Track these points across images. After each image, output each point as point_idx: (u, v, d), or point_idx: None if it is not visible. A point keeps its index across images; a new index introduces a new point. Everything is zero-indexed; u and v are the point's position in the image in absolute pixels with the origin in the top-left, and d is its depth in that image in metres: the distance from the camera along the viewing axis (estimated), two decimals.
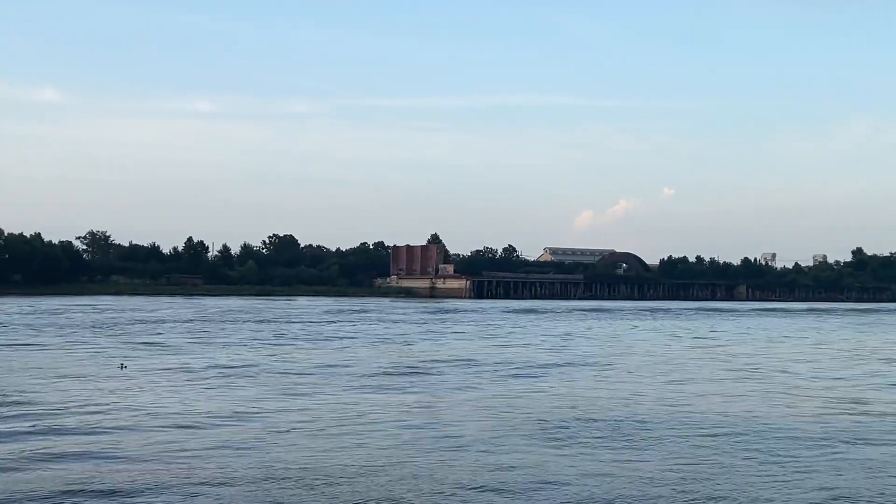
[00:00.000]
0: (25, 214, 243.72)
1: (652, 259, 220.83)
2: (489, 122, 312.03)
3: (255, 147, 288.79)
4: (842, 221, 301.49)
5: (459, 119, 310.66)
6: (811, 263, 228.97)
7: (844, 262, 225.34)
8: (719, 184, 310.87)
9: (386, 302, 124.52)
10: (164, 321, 61.57)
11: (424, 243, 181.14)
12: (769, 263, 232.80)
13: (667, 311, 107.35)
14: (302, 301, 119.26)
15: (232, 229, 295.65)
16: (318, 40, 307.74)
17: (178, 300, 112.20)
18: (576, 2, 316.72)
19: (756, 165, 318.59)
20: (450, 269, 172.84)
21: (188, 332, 51.44)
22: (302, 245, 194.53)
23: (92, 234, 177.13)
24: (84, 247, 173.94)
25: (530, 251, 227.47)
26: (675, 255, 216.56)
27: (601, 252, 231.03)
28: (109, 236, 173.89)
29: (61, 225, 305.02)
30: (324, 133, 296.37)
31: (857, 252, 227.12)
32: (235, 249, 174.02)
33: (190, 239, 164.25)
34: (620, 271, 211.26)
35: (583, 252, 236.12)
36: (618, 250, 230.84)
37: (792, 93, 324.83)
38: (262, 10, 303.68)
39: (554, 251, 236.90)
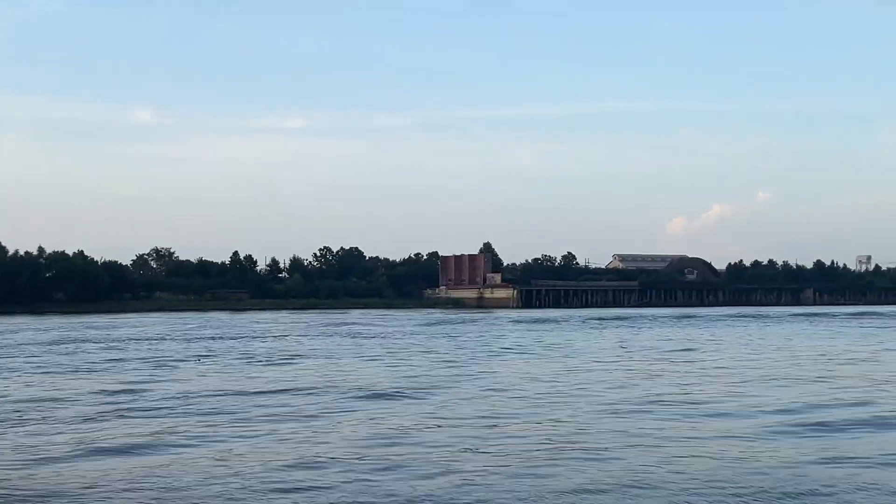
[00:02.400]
0: (118, 233, 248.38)
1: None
2: (578, 131, 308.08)
3: (339, 161, 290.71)
4: None
5: (547, 128, 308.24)
6: None
7: None
8: (815, 186, 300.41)
9: (391, 314, 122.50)
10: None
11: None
12: (865, 267, 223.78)
13: (696, 317, 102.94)
14: (307, 316, 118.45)
15: (307, 242, 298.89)
16: (400, 54, 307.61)
17: (189, 315, 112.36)
18: (666, 6, 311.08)
19: (852, 166, 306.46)
20: (497, 278, 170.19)
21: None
22: (367, 257, 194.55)
23: (156, 250, 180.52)
24: (152, 263, 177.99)
25: (604, 259, 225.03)
26: (763, 260, 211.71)
27: (671, 258, 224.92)
28: (174, 252, 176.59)
29: (143, 242, 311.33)
30: (408, 145, 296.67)
31: None
32: (286, 263, 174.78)
33: (236, 253, 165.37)
34: (693, 276, 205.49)
35: (653, 258, 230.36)
36: (690, 255, 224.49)
37: (889, 90, 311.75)
38: (338, 27, 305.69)
39: (623, 258, 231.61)
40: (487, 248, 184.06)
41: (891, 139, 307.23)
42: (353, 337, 61.00)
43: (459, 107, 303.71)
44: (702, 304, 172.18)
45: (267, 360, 40.51)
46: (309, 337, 61.22)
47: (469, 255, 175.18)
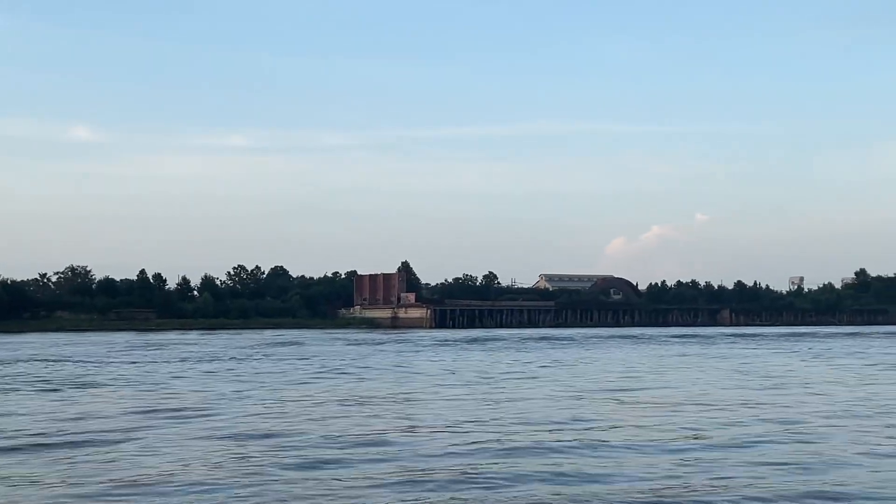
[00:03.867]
0: (41, 252, 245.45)
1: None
2: (523, 151, 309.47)
3: (280, 180, 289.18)
4: (881, 242, 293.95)
5: (492, 148, 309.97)
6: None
7: (845, 284, 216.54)
8: (752, 208, 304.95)
9: (248, 336, 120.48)
10: None
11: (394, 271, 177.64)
12: (797, 288, 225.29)
13: (564, 339, 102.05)
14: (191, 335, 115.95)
15: (240, 260, 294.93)
16: (348, 72, 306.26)
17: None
18: (612, 28, 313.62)
19: (791, 189, 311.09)
20: (411, 297, 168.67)
21: None
22: (293, 276, 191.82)
23: (71, 269, 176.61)
24: (61, 281, 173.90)
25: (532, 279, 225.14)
26: (700, 281, 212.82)
27: (597, 278, 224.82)
28: (90, 270, 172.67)
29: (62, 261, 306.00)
30: (354, 165, 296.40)
31: (861, 273, 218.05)
32: (197, 281, 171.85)
33: (143, 271, 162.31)
34: (619, 297, 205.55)
35: (580, 278, 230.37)
36: (617, 276, 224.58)
37: (829, 115, 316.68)
38: (282, 44, 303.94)
39: (550, 278, 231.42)
40: (405, 268, 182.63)
41: (829, 163, 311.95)
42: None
43: (404, 127, 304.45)
44: (618, 325, 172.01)
45: None
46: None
47: (384, 274, 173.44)
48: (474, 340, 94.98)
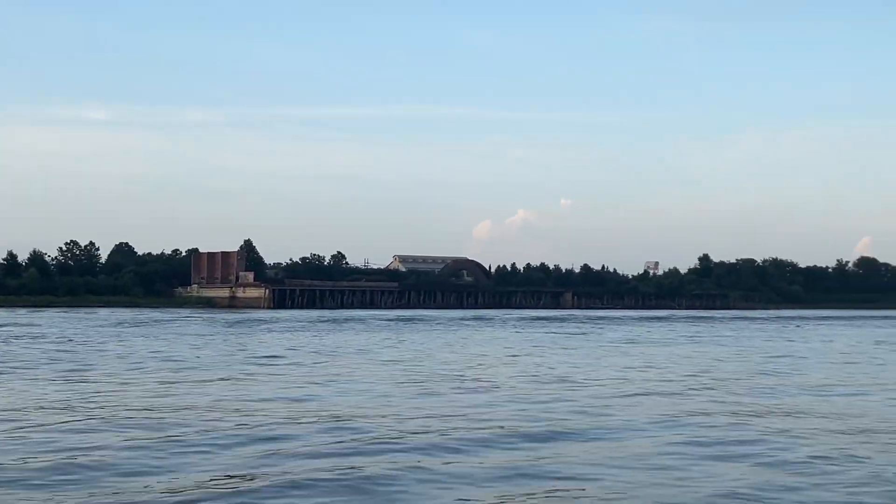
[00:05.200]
0: None
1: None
2: (390, 134, 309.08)
3: (142, 156, 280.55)
4: (729, 230, 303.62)
5: (359, 130, 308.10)
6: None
7: (689, 269, 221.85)
8: (614, 195, 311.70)
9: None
10: None
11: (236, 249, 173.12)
12: (653, 272, 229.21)
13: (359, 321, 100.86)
14: None
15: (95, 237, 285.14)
16: (214, 48, 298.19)
17: None
18: (481, 15, 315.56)
19: (649, 177, 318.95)
20: (250, 276, 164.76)
21: None
22: (140, 253, 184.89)
23: None
24: None
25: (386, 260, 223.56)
26: (553, 264, 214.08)
27: (449, 260, 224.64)
28: None
29: None
30: (216, 143, 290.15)
31: (704, 259, 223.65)
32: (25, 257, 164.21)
33: None
34: (471, 279, 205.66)
35: (434, 260, 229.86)
36: (470, 258, 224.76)
37: (687, 105, 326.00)
38: (148, 18, 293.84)
39: (404, 259, 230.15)
40: (248, 247, 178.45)
41: (684, 152, 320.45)
42: None
43: (271, 105, 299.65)
44: (461, 306, 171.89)
45: None
46: None
47: (223, 252, 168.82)
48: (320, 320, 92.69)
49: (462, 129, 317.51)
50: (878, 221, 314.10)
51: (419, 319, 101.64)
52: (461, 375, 33.20)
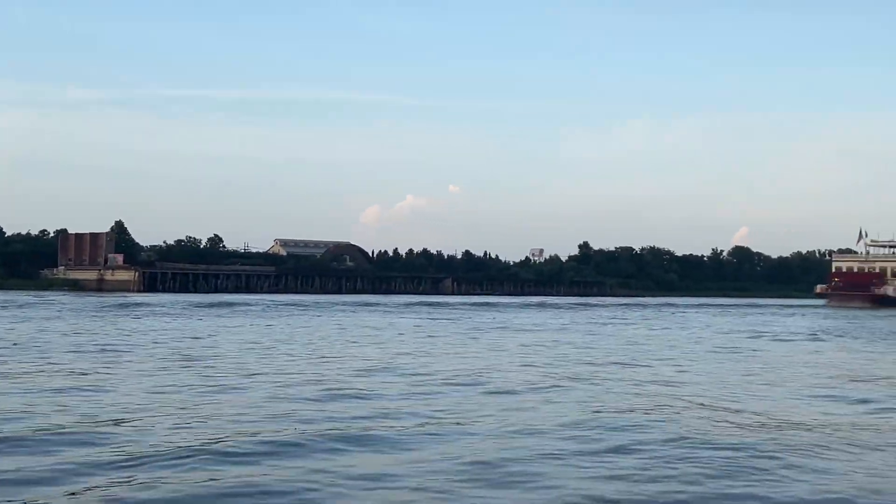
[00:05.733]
0: None
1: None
2: (277, 116, 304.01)
3: (20, 134, 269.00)
4: (613, 218, 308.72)
5: (246, 112, 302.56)
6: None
7: (570, 256, 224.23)
8: (502, 182, 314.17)
9: None
10: None
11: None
12: (537, 259, 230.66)
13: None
14: None
15: None
16: (98, 26, 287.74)
17: None
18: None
19: (540, 164, 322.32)
20: (119, 259, 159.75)
21: None
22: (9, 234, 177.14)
23: None
24: None
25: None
26: (440, 250, 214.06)
27: (331, 244, 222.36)
28: None
29: None
30: (102, 122, 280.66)
31: (584, 246, 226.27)
32: None
33: None
34: (353, 264, 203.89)
35: (316, 244, 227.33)
36: (354, 243, 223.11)
37: (576, 94, 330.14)
38: None
39: (285, 243, 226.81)
40: (119, 228, 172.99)
41: (573, 141, 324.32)
42: None
43: (153, 85, 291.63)
44: (340, 291, 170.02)
45: None
46: None
47: (91, 233, 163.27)
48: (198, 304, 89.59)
49: (351, 112, 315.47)
50: (756, 212, 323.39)
51: (291, 304, 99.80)
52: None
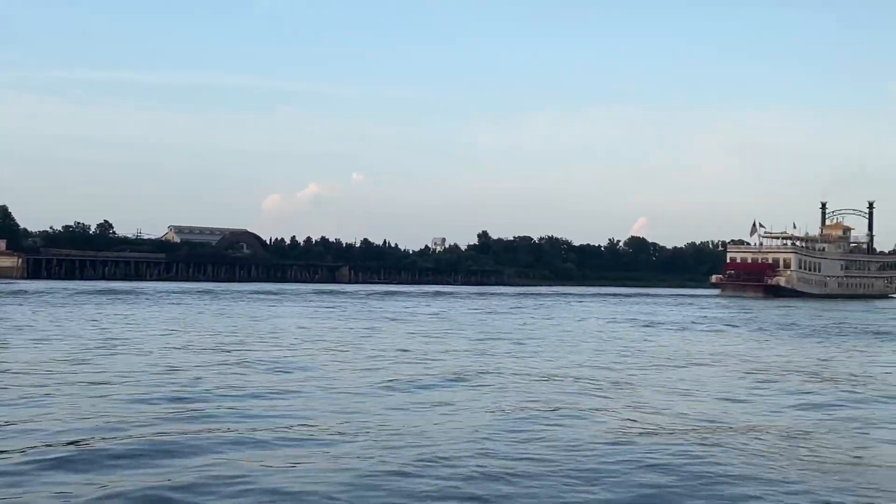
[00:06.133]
0: None
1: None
2: (176, 101, 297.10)
3: None
4: (514, 208, 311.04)
5: (142, 95, 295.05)
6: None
7: (469, 245, 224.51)
8: (406, 170, 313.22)
9: None
10: None
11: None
12: (438, 248, 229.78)
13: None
14: None
15: None
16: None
17: None
18: None
19: (444, 153, 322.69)
20: (2, 245, 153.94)
21: None
22: None
23: None
24: None
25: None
26: (342, 239, 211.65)
27: (227, 231, 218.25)
28: None
29: None
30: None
31: (483, 235, 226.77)
32: None
33: None
34: (250, 252, 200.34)
35: (212, 231, 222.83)
36: (251, 230, 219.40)
37: (481, 83, 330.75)
38: None
39: (179, 230, 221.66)
40: (3, 213, 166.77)
41: (478, 130, 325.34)
42: None
43: (48, 67, 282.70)
44: (233, 279, 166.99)
45: None
46: None
47: None
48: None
49: (253, 98, 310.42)
50: (654, 203, 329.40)
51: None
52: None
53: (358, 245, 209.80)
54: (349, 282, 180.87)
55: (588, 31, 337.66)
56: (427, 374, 24.87)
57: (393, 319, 54.94)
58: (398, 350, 32.94)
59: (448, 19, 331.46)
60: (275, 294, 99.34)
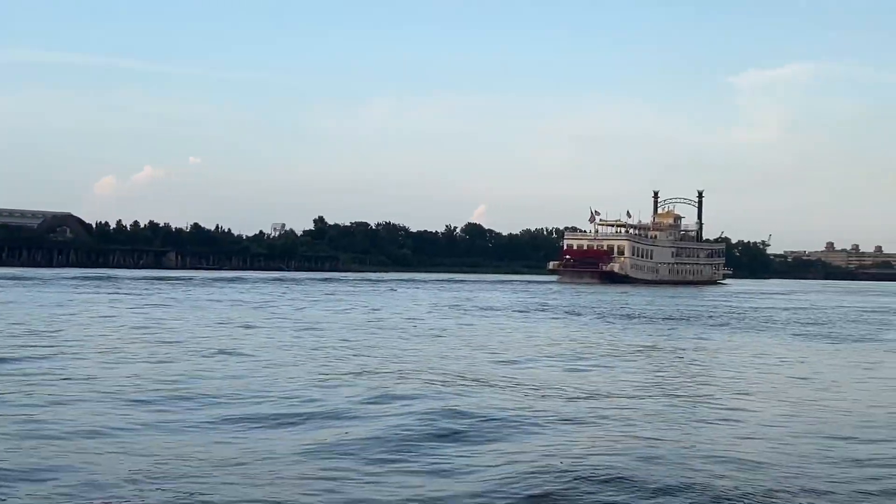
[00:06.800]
0: None
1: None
2: (6, 78, 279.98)
3: None
4: (354, 194, 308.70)
5: None
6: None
7: (304, 231, 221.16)
8: (246, 154, 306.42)
9: None
10: None
11: None
12: (279, 233, 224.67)
13: None
14: None
15: None
16: None
17: None
18: None
19: (284, 138, 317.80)
20: None
21: None
22: None
23: None
24: None
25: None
26: (173, 223, 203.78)
27: (49, 215, 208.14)
28: None
29: None
30: None
31: (319, 221, 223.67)
32: None
33: None
34: (73, 236, 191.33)
35: (34, 214, 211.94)
36: (74, 214, 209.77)
37: (322, 68, 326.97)
38: None
39: None
40: None
41: (320, 115, 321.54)
42: None
43: None
44: (51, 265, 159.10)
45: None
46: None
47: None
48: None
49: (87, 77, 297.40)
50: (493, 191, 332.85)
51: None
52: None
53: (188, 230, 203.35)
54: (175, 267, 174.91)
55: (430, 20, 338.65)
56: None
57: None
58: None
59: (291, 3, 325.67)
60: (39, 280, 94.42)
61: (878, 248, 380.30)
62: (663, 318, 51.19)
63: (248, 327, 36.21)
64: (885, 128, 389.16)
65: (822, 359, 29.82)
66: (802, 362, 28.47)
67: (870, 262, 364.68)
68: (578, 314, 53.37)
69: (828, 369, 26.48)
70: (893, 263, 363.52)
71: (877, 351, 33.64)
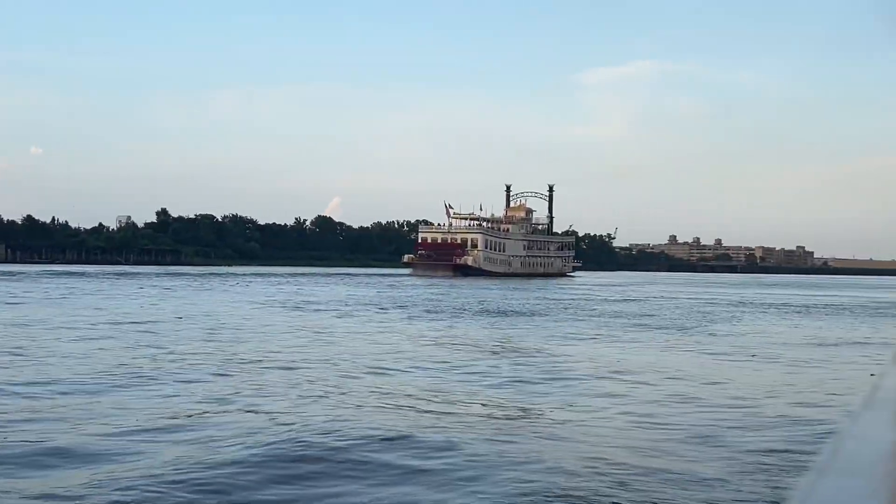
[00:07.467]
0: None
1: None
2: None
3: None
4: (200, 186, 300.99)
5: None
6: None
7: (146, 223, 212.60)
8: (90, 145, 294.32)
9: None
10: None
11: None
12: (123, 225, 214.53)
13: None
14: None
15: None
16: None
17: None
18: None
19: (127, 129, 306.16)
20: None
21: None
22: None
23: None
24: None
25: None
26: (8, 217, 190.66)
27: None
28: None
29: None
30: None
31: (162, 213, 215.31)
32: None
33: None
34: None
35: None
36: None
37: (167, 59, 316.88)
38: None
39: None
40: None
41: (165, 106, 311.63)
42: None
43: None
44: None
45: None
46: None
47: None
48: None
49: None
50: (348, 183, 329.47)
51: None
52: None
53: (20, 222, 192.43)
54: (5, 261, 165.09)
55: (281, 10, 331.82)
56: None
57: None
58: None
59: None
60: None
61: (718, 241, 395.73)
62: (503, 314, 49.66)
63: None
64: (725, 125, 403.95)
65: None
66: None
67: (710, 255, 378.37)
68: (393, 308, 51.34)
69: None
70: (731, 255, 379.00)
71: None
